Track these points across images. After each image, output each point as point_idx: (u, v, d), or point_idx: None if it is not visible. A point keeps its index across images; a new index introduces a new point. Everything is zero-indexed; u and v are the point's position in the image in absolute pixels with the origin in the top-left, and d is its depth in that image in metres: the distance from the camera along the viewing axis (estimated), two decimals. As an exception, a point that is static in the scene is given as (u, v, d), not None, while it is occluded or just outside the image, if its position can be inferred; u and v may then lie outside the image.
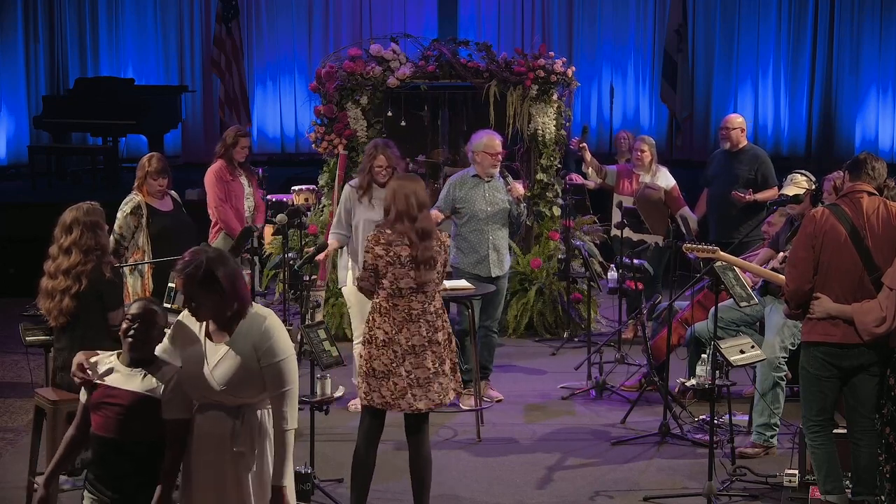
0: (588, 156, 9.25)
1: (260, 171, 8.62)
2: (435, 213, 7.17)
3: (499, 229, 7.30)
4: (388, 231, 5.21)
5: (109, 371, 3.97)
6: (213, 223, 8.17)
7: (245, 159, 8.27)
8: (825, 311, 5.19)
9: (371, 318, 5.25)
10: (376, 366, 5.17)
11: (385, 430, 5.35)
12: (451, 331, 5.37)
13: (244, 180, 8.26)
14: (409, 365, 5.15)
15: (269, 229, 8.49)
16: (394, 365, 5.15)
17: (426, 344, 5.18)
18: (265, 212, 8.37)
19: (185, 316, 3.98)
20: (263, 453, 3.91)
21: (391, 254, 5.16)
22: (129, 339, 3.94)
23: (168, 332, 4.01)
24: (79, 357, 4.05)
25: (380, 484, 5.56)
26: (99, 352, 4.13)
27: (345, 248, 7.12)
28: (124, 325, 3.95)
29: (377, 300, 5.24)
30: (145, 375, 3.95)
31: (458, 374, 5.39)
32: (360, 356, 5.32)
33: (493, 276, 7.27)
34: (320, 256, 7.36)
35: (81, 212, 5.31)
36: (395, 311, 5.18)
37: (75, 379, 4.06)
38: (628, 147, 10.13)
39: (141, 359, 3.97)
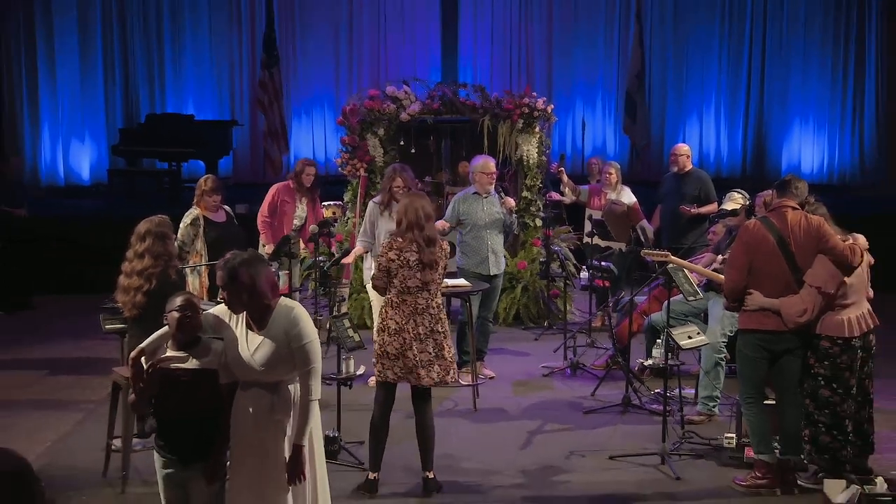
0: (565, 178, 9.31)
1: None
2: (441, 223, 7.19)
3: (496, 235, 7.32)
4: (400, 239, 5.20)
5: (170, 359, 3.92)
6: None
7: (310, 184, 8.27)
8: (757, 304, 5.20)
9: (384, 311, 5.23)
10: (389, 349, 5.15)
11: (399, 401, 5.34)
12: (446, 325, 5.30)
13: (301, 203, 8.25)
14: (415, 349, 5.13)
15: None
16: (404, 349, 5.14)
17: (429, 333, 5.17)
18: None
19: (219, 308, 3.95)
20: (296, 419, 3.88)
21: (402, 258, 5.15)
22: (182, 325, 3.84)
23: (206, 319, 3.93)
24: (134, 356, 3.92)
25: (394, 446, 5.55)
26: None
27: (369, 252, 7.15)
28: (176, 314, 3.85)
29: (390, 296, 5.23)
30: (194, 356, 3.87)
31: (454, 361, 5.31)
32: (374, 341, 5.30)
33: (492, 274, 7.30)
34: (347, 259, 7.40)
35: (153, 223, 5.30)
36: (405, 305, 5.16)
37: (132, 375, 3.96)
38: (598, 170, 10.12)
39: (188, 341, 3.88)
